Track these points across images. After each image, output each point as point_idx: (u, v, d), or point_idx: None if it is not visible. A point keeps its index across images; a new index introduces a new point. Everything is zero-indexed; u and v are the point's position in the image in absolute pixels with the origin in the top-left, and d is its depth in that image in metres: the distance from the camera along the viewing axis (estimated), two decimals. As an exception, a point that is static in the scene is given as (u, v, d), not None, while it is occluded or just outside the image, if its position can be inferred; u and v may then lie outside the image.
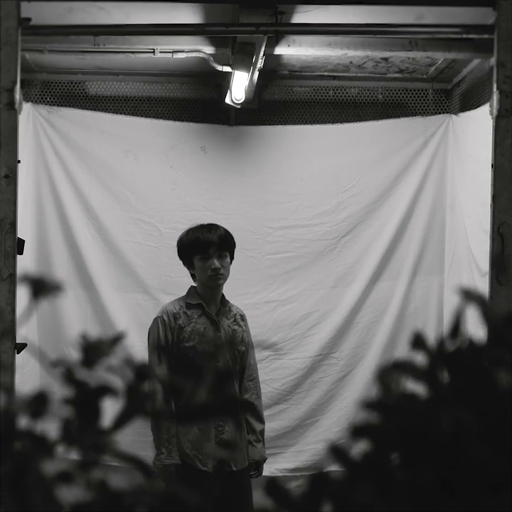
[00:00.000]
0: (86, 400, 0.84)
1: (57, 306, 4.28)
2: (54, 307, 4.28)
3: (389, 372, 0.83)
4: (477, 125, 4.08)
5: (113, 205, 4.39)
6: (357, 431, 0.80)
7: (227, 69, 4.08)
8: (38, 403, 0.82)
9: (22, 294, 2.91)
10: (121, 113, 4.70)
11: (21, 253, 2.98)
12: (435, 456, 0.77)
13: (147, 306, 4.33)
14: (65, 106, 4.63)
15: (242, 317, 3.99)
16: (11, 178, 2.74)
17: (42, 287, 0.91)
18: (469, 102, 4.58)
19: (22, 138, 3.42)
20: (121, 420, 0.86)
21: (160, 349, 3.79)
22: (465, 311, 0.84)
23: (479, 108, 4.15)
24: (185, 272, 4.15)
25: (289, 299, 4.42)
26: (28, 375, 4.17)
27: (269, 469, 4.06)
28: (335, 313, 4.41)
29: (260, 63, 3.96)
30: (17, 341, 2.81)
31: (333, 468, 0.86)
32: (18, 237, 2.85)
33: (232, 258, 3.88)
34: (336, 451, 0.80)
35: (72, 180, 4.34)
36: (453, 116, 4.57)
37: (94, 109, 4.66)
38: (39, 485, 0.77)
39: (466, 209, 4.16)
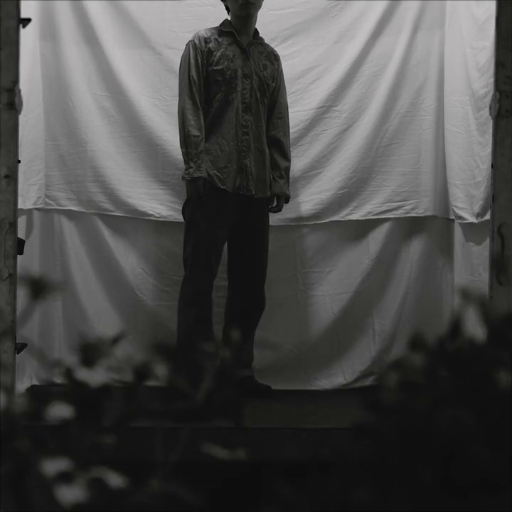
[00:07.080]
0: (86, 399, 0.84)
1: (61, 64, 4.26)
2: (58, 65, 4.26)
3: (389, 373, 0.83)
4: None
5: None
6: (357, 431, 0.80)
7: None
8: (38, 403, 0.82)
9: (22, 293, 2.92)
10: None
11: (21, 253, 2.99)
12: (435, 456, 0.77)
13: (151, 61, 4.33)
14: None
15: (276, 57, 4.10)
16: (11, 178, 2.74)
17: (41, 287, 0.91)
18: None
19: None
20: (122, 420, 0.86)
21: (190, 77, 3.84)
22: (465, 311, 0.84)
23: None
24: (188, 27, 4.17)
25: (290, 54, 4.40)
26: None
27: (271, 219, 4.14)
28: (337, 67, 4.43)
29: None
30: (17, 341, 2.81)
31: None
32: (18, 237, 2.85)
33: None
34: (336, 451, 0.80)
35: None
36: None
37: None
38: (39, 485, 0.77)
39: None
